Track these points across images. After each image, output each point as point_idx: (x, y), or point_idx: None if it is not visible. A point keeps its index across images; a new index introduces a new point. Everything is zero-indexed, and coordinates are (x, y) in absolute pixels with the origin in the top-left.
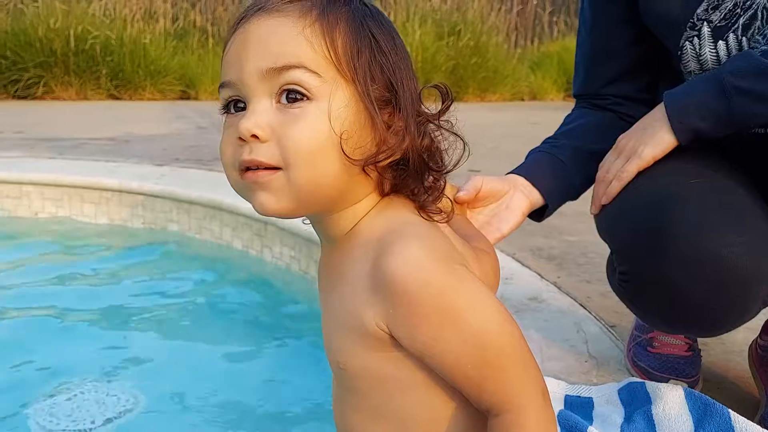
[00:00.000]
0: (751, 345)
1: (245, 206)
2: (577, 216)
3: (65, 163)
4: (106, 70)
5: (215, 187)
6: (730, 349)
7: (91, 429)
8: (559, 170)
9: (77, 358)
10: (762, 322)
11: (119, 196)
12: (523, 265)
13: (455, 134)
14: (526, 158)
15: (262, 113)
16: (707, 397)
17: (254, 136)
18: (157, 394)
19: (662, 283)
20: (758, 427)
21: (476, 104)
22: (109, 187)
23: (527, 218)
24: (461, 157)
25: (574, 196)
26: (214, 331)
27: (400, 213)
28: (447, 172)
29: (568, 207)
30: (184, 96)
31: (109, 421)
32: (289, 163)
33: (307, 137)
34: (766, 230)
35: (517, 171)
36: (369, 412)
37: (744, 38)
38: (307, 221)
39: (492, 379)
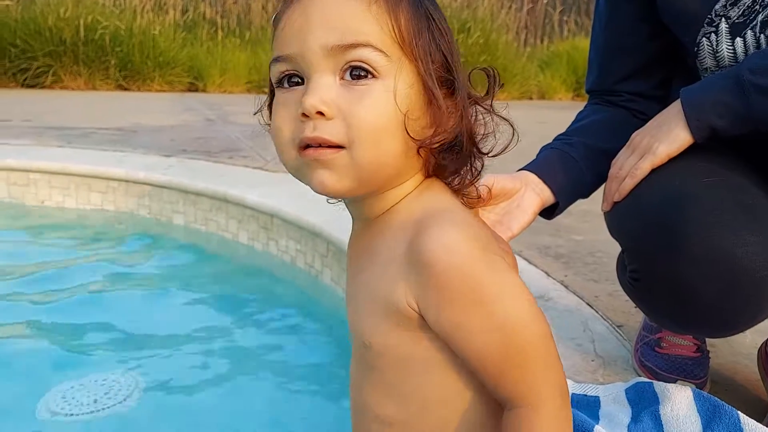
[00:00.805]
0: (760, 348)
1: (251, 198)
2: (585, 215)
3: (73, 152)
4: (115, 60)
5: (222, 178)
6: (738, 351)
7: (93, 412)
8: (571, 168)
9: (80, 346)
10: None
11: (126, 186)
12: (530, 263)
13: (504, 119)
14: (537, 155)
15: (327, 89)
16: (716, 398)
17: (319, 113)
18: (160, 382)
19: (674, 282)
20: (767, 429)
21: None
22: (116, 176)
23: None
24: (510, 141)
25: (586, 194)
26: (218, 322)
27: (441, 196)
28: (495, 155)
29: (576, 206)
30: (193, 88)
31: (111, 406)
32: (354, 141)
33: (374, 115)
34: None
35: (529, 168)
36: (387, 389)
37: (762, 35)
38: (333, 200)
39: (512, 373)
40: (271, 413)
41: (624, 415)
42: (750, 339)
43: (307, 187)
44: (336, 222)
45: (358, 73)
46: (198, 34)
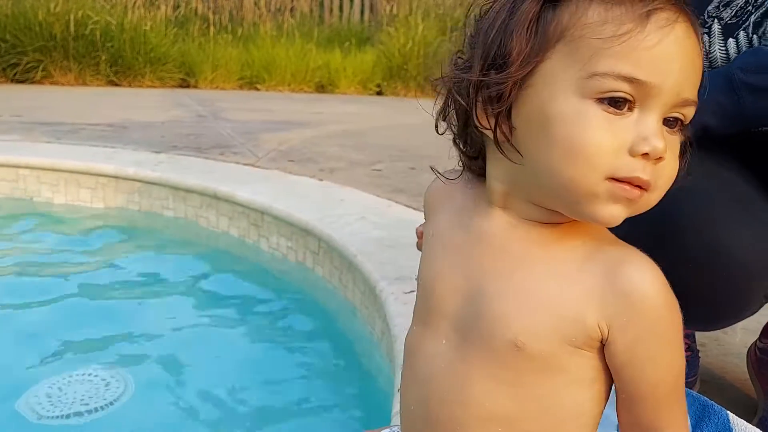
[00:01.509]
0: (750, 348)
1: (241, 195)
2: None
3: (62, 147)
4: (106, 56)
5: (212, 175)
6: (728, 351)
7: (82, 413)
8: None
9: (69, 343)
10: (761, 326)
11: (116, 182)
12: None
13: None
14: None
15: (662, 136)
16: (705, 398)
17: (659, 158)
18: (149, 379)
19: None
20: (757, 429)
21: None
22: (106, 172)
23: None
24: None
25: None
26: (209, 319)
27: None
28: None
29: None
30: (184, 84)
31: (100, 407)
32: (655, 187)
33: (676, 167)
34: None
35: None
36: (512, 390)
37: (755, 36)
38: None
39: (670, 410)
40: (263, 411)
41: (614, 416)
42: (740, 338)
43: (294, 184)
44: (327, 219)
45: (673, 125)
46: (189, 29)
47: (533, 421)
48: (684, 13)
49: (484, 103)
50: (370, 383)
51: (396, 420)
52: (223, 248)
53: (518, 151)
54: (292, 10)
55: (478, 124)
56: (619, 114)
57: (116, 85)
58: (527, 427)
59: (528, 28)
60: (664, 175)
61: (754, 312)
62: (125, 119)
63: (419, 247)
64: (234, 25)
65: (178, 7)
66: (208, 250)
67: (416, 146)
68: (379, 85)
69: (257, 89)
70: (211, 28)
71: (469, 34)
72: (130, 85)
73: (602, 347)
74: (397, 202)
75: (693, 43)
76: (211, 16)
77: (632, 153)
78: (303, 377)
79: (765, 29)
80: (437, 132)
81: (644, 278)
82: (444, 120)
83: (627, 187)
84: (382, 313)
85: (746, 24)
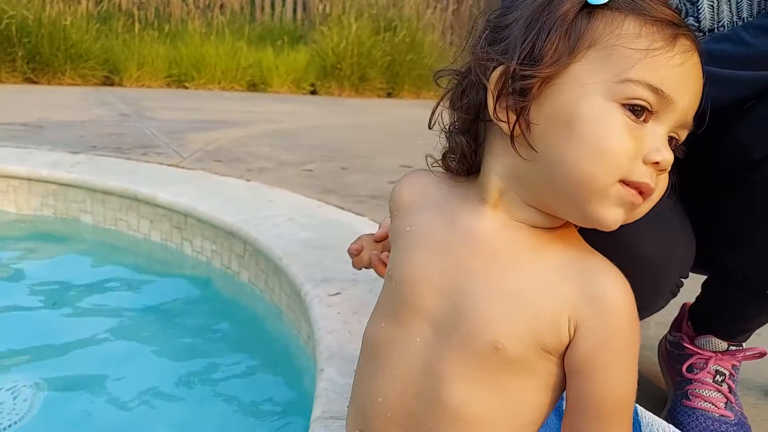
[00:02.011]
0: (660, 341)
1: (163, 196)
2: None
3: None
4: (23, 52)
5: (133, 176)
6: (642, 344)
7: None
8: None
9: None
10: (672, 318)
11: (28, 185)
12: None
13: None
14: None
15: (669, 150)
16: None
17: (663, 170)
18: (63, 393)
19: None
20: (663, 422)
21: (411, 101)
22: (17, 174)
23: None
24: None
25: None
26: (128, 328)
27: (582, 239)
28: None
29: None
30: (108, 82)
31: (8, 425)
32: (652, 198)
33: (667, 182)
34: (677, 220)
35: None
36: (485, 392)
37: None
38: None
39: (612, 427)
40: (184, 421)
41: None
42: (653, 331)
43: (220, 185)
44: (253, 221)
45: (671, 143)
46: (113, 26)
47: (501, 422)
48: (698, 46)
49: (505, 96)
50: (296, 389)
51: (314, 427)
52: (144, 253)
53: (532, 147)
54: (221, 7)
55: (495, 117)
56: (637, 122)
57: (34, 82)
58: (494, 428)
59: (566, 30)
60: (659, 187)
61: (662, 307)
62: (42, 118)
63: (356, 266)
64: (161, 22)
65: (101, 2)
66: (129, 255)
67: (348, 146)
68: (313, 85)
69: (186, 88)
70: (137, 24)
71: (489, 23)
72: (49, 83)
73: (565, 352)
74: (327, 202)
75: (701, 73)
76: (136, 11)
77: (645, 161)
78: (227, 385)
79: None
80: (429, 128)
81: (614, 289)
82: (453, 109)
83: (635, 192)
84: (308, 316)
85: None
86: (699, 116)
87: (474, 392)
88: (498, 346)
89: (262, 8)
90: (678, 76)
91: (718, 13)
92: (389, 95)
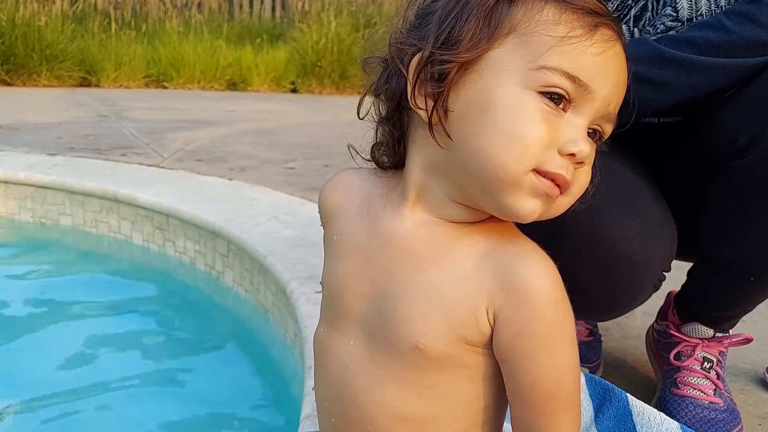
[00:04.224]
0: (648, 330)
1: (144, 197)
2: None
3: None
4: None
5: (113, 177)
6: (629, 333)
7: None
8: None
9: None
10: (658, 308)
11: (5, 188)
12: None
13: None
14: None
15: (588, 142)
16: (607, 381)
17: (580, 162)
18: (39, 403)
19: (563, 269)
20: (654, 410)
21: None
22: None
23: None
24: None
25: None
26: (113, 332)
27: (512, 228)
28: None
29: None
30: (85, 83)
31: None
32: (570, 193)
33: (589, 176)
34: (657, 215)
35: None
36: (420, 390)
37: (636, 29)
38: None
39: (548, 416)
40: (172, 421)
41: None
42: (640, 321)
43: (202, 184)
44: (237, 220)
45: (593, 136)
46: (89, 26)
47: (441, 418)
48: (621, 38)
49: (424, 82)
50: (283, 387)
51: (304, 425)
52: (126, 255)
53: (448, 135)
54: (199, 5)
55: (413, 104)
56: (555, 111)
57: (9, 84)
58: (435, 424)
59: (485, 15)
60: (579, 182)
61: (645, 300)
62: (17, 120)
63: None
64: (138, 21)
65: (76, 1)
66: (110, 257)
67: (330, 144)
68: (293, 83)
69: (165, 87)
70: (113, 24)
71: (417, 10)
72: (24, 85)
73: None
74: (310, 200)
75: (625, 65)
76: (112, 11)
77: (561, 151)
78: (213, 385)
79: (645, 22)
80: (359, 116)
81: (531, 273)
82: (376, 96)
83: (550, 183)
84: (294, 314)
85: (627, 17)
86: (627, 112)
87: (408, 392)
88: (419, 347)
89: (241, 6)
90: (597, 66)
91: (696, 3)
92: None
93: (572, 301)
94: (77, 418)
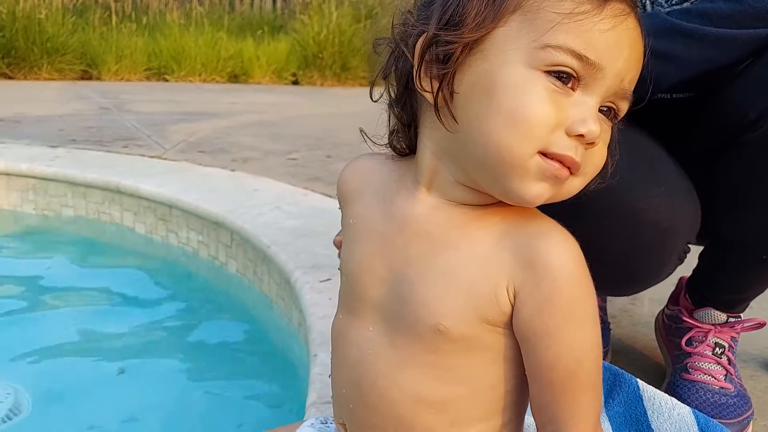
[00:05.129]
0: (657, 316)
1: (147, 188)
2: None
3: None
4: None
5: (115, 169)
6: (636, 320)
7: None
8: None
9: None
10: (668, 293)
11: (7, 180)
12: None
13: None
14: None
15: (599, 121)
16: (616, 367)
17: (591, 143)
18: (48, 391)
19: (581, 239)
20: (665, 395)
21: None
22: None
23: None
24: None
25: None
26: (116, 323)
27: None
28: None
29: None
30: (86, 76)
31: None
32: (583, 173)
33: (604, 156)
34: (681, 186)
35: None
36: (441, 374)
37: (648, 2)
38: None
39: (568, 396)
40: (177, 411)
41: None
42: (648, 308)
43: (205, 175)
44: (240, 211)
45: (608, 114)
46: (90, 18)
47: (463, 401)
48: (635, 11)
49: (429, 64)
50: (289, 376)
51: (310, 413)
52: (129, 246)
53: (454, 118)
54: None
55: (419, 86)
56: (563, 90)
57: (10, 77)
58: (458, 408)
59: None
60: (592, 162)
61: (669, 274)
62: (18, 113)
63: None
64: (138, 14)
65: None
66: (113, 248)
67: (333, 135)
68: (294, 74)
69: (166, 80)
70: (114, 17)
71: None
72: (25, 78)
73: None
74: (313, 190)
75: (640, 39)
76: (113, 3)
77: (569, 132)
78: (220, 375)
79: None
80: (371, 99)
81: (551, 251)
82: (384, 78)
83: (557, 165)
84: (298, 303)
85: None
86: (644, 88)
87: (429, 375)
88: (440, 328)
89: None
90: (607, 42)
91: None
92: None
93: (595, 275)
94: (81, 404)
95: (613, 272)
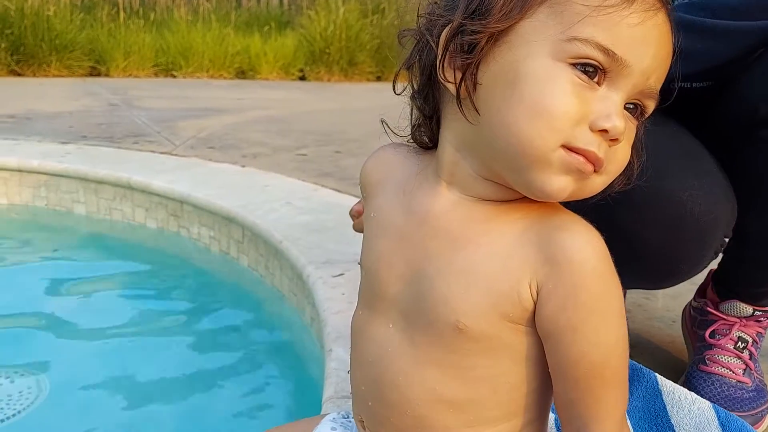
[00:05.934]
0: (685, 307)
1: (158, 184)
2: None
3: None
4: (6, 43)
5: (126, 165)
6: (652, 315)
7: None
8: None
9: None
10: (682, 290)
11: (19, 176)
12: None
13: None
14: None
15: (623, 118)
16: (634, 362)
17: (614, 140)
18: (65, 382)
19: (620, 230)
20: (684, 389)
21: (402, 84)
22: (7, 166)
23: None
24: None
25: None
26: (129, 318)
27: (553, 203)
28: None
29: None
30: (94, 72)
31: (12, 414)
32: (606, 171)
33: (628, 154)
34: (720, 178)
35: None
36: (461, 372)
37: None
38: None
39: (593, 392)
40: (190, 405)
41: None
42: (662, 303)
43: (215, 171)
44: (251, 206)
45: (634, 111)
46: (98, 15)
47: (484, 401)
48: (666, 6)
49: (453, 54)
50: (301, 370)
51: (326, 407)
52: (141, 242)
53: (476, 110)
54: None
55: (442, 77)
56: (588, 84)
57: (19, 75)
58: (478, 408)
59: None
60: (615, 159)
61: (707, 266)
62: (29, 110)
63: (356, 228)
64: (146, 10)
65: None
66: (125, 244)
67: (341, 130)
68: (302, 70)
69: (174, 76)
70: (121, 13)
71: None
72: (34, 75)
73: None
74: (323, 186)
75: (669, 36)
76: (120, 0)
77: (592, 127)
78: (232, 370)
79: None
80: (395, 92)
81: (573, 245)
82: (408, 69)
83: (582, 158)
84: (311, 298)
85: None
86: (666, 89)
87: (449, 374)
88: (460, 326)
89: None
90: (635, 37)
91: None
92: (378, 79)
93: (633, 268)
94: (94, 397)
95: (651, 265)
